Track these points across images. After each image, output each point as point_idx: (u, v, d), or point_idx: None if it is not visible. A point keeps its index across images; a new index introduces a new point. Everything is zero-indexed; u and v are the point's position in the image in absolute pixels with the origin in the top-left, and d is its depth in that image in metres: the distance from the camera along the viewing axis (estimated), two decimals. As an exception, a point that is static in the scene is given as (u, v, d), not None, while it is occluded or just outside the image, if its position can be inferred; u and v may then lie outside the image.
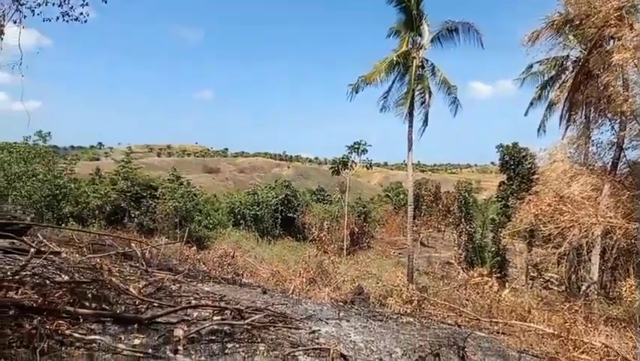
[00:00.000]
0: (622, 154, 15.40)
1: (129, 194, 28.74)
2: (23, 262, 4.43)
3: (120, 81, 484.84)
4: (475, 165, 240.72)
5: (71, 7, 6.00)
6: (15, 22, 5.00)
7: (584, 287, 14.78)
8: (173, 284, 5.78)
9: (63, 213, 26.27)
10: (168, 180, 32.78)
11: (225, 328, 3.97)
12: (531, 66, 21.73)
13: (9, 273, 4.02)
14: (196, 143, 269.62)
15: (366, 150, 38.60)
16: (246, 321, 4.20)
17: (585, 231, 13.45)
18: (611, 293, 18.55)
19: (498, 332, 7.02)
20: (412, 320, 6.93)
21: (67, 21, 5.86)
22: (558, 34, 16.87)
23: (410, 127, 21.11)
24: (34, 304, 3.31)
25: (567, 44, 18.45)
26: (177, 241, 15.65)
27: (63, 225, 23.17)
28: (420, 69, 20.87)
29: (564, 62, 19.52)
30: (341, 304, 7.79)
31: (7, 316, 3.08)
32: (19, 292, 3.53)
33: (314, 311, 6.08)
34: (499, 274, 19.19)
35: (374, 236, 44.22)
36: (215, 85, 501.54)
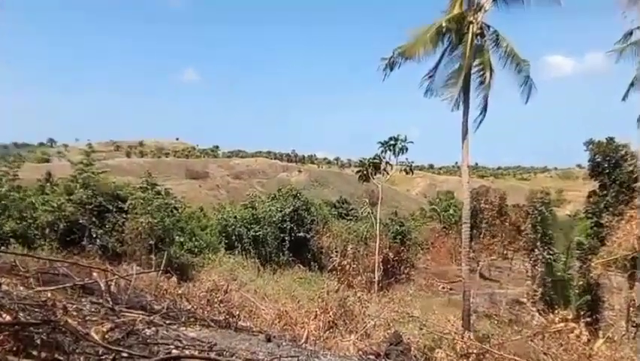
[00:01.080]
0: None
1: (90, 207, 29.13)
2: (-47, 297, 4.52)
3: (77, 59, 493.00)
4: (555, 169, 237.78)
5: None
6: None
7: None
8: (148, 327, 5.83)
9: (3, 231, 26.78)
10: (140, 188, 33.16)
11: (217, 388, 3.97)
12: (630, 33, 21.35)
13: None
14: (177, 139, 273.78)
15: (406, 149, 38.39)
16: (245, 379, 4.21)
17: None
18: None
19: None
20: (469, 380, 6.85)
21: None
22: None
23: (465, 116, 20.97)
24: (-33, 353, 3.37)
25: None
26: (153, 270, 15.80)
27: (3, 247, 23.61)
28: (478, 38, 20.73)
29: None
30: (372, 357, 7.75)
31: None
32: (-53, 336, 3.60)
33: (335, 367, 6.06)
34: (589, 319, 18.81)
35: (415, 265, 43.93)
36: (200, 63, 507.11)
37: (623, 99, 22.32)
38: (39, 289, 6.17)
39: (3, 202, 27.28)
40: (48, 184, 39.81)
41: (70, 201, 29.09)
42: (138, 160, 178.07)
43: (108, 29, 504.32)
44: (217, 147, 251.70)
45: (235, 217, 38.49)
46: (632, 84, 21.96)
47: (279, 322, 12.04)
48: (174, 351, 4.98)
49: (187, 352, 5.04)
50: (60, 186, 34.19)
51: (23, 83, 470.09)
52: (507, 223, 47.95)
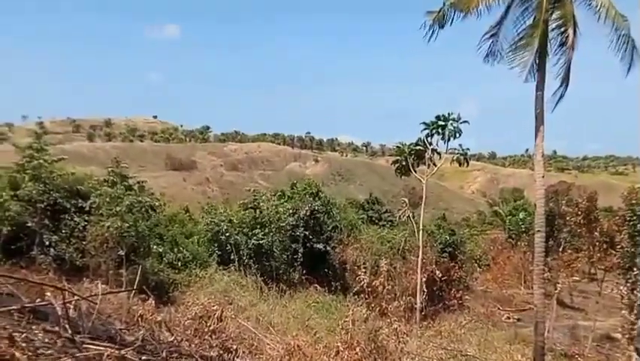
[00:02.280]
0: None
1: (42, 206, 29.47)
2: None
3: (25, 19, 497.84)
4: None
5: None
6: None
7: None
8: (118, 365, 5.92)
9: None
10: (107, 181, 33.43)
11: None
12: None
13: None
14: (154, 117, 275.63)
15: (460, 132, 37.90)
16: None
17: None
18: None
19: None
20: None
21: None
22: None
23: (540, 89, 20.81)
24: None
25: None
26: (123, 290, 16.02)
27: None
28: (559, -16, 20.57)
29: None
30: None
31: None
32: None
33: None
34: None
35: (471, 287, 43.85)
36: (183, 15, 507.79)
37: None
38: (-23, 312, 6.29)
39: None
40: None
41: (16, 198, 29.40)
42: (104, 145, 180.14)
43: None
44: (207, 127, 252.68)
45: (231, 221, 38.58)
46: None
47: (288, 360, 12.12)
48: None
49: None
50: (3, 178, 34.57)
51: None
52: (596, 233, 47.50)
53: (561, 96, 20.84)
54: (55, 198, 29.78)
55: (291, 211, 39.27)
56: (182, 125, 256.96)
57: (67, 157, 38.89)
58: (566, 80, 20.69)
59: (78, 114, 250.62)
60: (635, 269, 32.55)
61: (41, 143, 33.86)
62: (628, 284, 33.78)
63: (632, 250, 33.78)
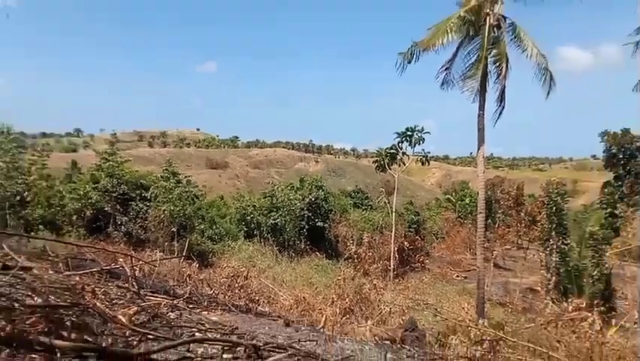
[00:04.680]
0: None
1: (115, 195, 29.48)
2: (-13, 280, 4.63)
3: (103, 51, 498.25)
4: (570, 160, 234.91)
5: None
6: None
7: None
8: (172, 311, 5.92)
9: (32, 218, 27.24)
10: (162, 177, 33.42)
11: (239, 369, 4.02)
12: (644, 27, 20.91)
13: (-30, 293, 4.22)
14: (197, 130, 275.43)
15: (423, 139, 38.12)
16: (265, 361, 4.25)
17: None
18: None
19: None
20: (483, 366, 6.84)
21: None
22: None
23: (481, 108, 20.74)
24: (2, 334, 3.45)
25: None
26: (175, 256, 16.00)
27: (33, 233, 24.01)
28: (495, 30, 20.47)
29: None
30: (387, 343, 7.77)
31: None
32: (-18, 317, 3.69)
33: (352, 351, 6.09)
34: (602, 308, 18.59)
35: (430, 254, 43.76)
36: (220, 55, 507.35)
37: (634, 90, 21.93)
38: (68, 273, 6.28)
39: (32, 190, 27.70)
40: (75, 173, 40.27)
41: (96, 190, 29.41)
42: (160, 150, 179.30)
43: (131, 23, 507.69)
44: (237, 137, 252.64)
45: (254, 206, 38.62)
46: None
47: (297, 308, 12.11)
48: (197, 334, 5.04)
49: (209, 335, 5.11)
50: (86, 174, 34.59)
51: (51, 76, 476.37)
52: (522, 214, 47.51)
53: (500, 114, 20.78)
54: (124, 189, 29.77)
55: (299, 198, 39.24)
56: (218, 135, 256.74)
57: (132, 159, 38.81)
58: (501, 101, 20.65)
59: (141, 127, 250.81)
60: (550, 240, 32.55)
61: (114, 149, 33.94)
62: (546, 251, 33.79)
63: (549, 225, 33.74)
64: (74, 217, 29.10)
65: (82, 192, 29.39)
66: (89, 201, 28.98)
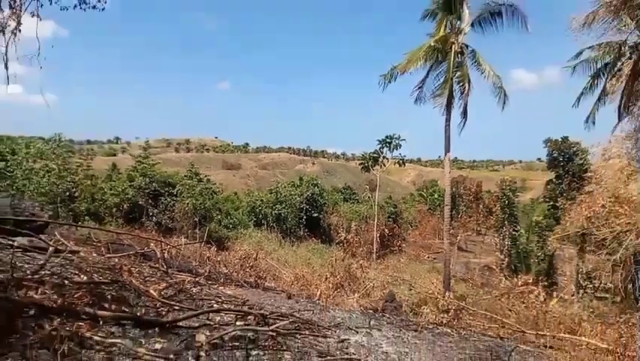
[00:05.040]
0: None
1: (147, 191, 29.42)
2: (42, 261, 4.61)
3: (137, 73, 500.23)
4: (520, 162, 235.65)
5: (88, -6, 6.16)
6: (32, 15, 5.18)
7: (642, 298, 14.22)
8: (194, 287, 5.91)
9: (79, 210, 27.17)
10: (186, 176, 33.41)
11: (249, 334, 4.02)
12: (580, 53, 20.98)
13: (28, 272, 4.20)
14: (215, 137, 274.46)
15: (400, 145, 38.24)
16: (271, 327, 4.25)
17: (645, 236, 12.96)
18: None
19: (545, 346, 6.85)
20: (449, 330, 6.86)
21: (84, 9, 6.02)
22: (614, 17, 16.25)
23: (448, 120, 20.79)
24: (54, 305, 3.45)
25: (622, 29, 17.72)
26: (197, 242, 15.95)
27: (79, 223, 23.96)
28: (459, 56, 20.51)
29: (622, 48, 18.76)
30: (371, 312, 7.78)
31: (27, 316, 3.22)
32: (39, 291, 3.68)
33: (342, 319, 6.10)
34: (545, 283, 18.68)
35: (406, 239, 43.85)
36: (231, 76, 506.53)
37: (575, 106, 22.02)
38: (109, 256, 6.26)
39: (79, 187, 27.66)
40: (114, 173, 40.14)
41: (132, 187, 29.40)
42: (185, 154, 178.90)
43: (155, 46, 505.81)
44: (247, 143, 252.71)
45: (262, 200, 38.57)
46: (582, 94, 21.62)
47: (297, 283, 12.12)
48: (215, 305, 5.04)
49: (225, 306, 5.11)
50: (124, 174, 34.57)
51: (101, 94, 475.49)
52: (481, 206, 47.71)
53: (463, 125, 20.83)
54: (155, 186, 29.71)
55: (299, 193, 39.23)
56: (232, 142, 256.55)
57: (161, 162, 38.70)
58: (464, 115, 20.71)
59: (169, 135, 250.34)
60: (503, 228, 32.68)
61: (146, 153, 33.78)
62: (500, 236, 33.92)
63: (502, 216, 33.88)
64: (114, 210, 29.07)
65: (120, 189, 29.39)
66: (126, 196, 28.98)
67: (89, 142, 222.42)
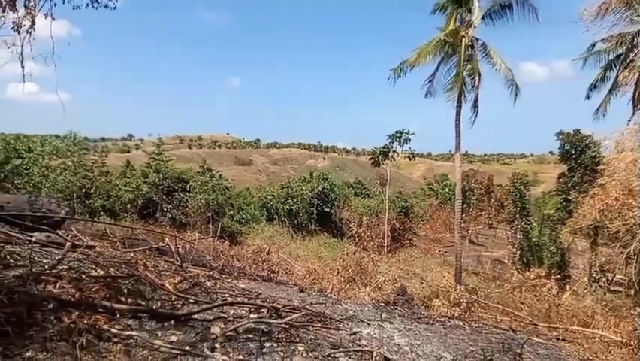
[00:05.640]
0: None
1: (161, 187, 29.65)
2: (60, 256, 4.69)
3: (149, 71, 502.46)
4: (532, 155, 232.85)
5: (101, -8, 6.21)
6: (45, 16, 5.24)
7: (657, 291, 14.02)
8: (208, 280, 5.96)
9: (95, 206, 27.49)
10: (199, 172, 33.60)
11: (263, 326, 4.05)
12: (594, 45, 20.65)
13: (46, 267, 4.27)
14: (227, 134, 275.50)
15: (409, 140, 38.13)
16: (284, 320, 4.27)
17: (659, 228, 12.75)
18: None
19: (557, 339, 6.79)
20: (460, 323, 6.82)
21: (96, 7, 6.07)
22: (627, 7, 15.95)
23: (458, 114, 20.65)
24: (72, 299, 3.50)
25: (635, 19, 17.36)
26: (210, 236, 16.06)
27: (95, 218, 24.26)
28: (469, 49, 20.31)
29: (634, 39, 18.38)
30: (383, 305, 7.77)
31: (46, 310, 3.28)
32: (57, 285, 3.75)
33: (354, 312, 6.10)
34: (558, 276, 18.50)
35: (417, 233, 43.69)
36: (242, 72, 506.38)
37: (587, 98, 21.69)
38: (124, 250, 6.33)
39: (95, 184, 27.99)
40: (128, 170, 40.54)
41: (146, 183, 29.64)
42: (197, 151, 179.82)
43: (168, 46, 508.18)
44: (259, 140, 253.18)
45: (273, 195, 38.71)
46: (595, 86, 21.28)
47: (309, 277, 12.15)
48: (229, 298, 5.08)
49: (239, 299, 5.14)
50: (138, 171, 34.86)
51: (115, 93, 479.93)
52: (492, 200, 47.29)
53: (475, 118, 20.71)
54: (169, 183, 29.93)
55: (310, 188, 39.27)
56: (244, 138, 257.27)
57: (175, 159, 38.94)
58: (475, 108, 20.55)
59: (182, 132, 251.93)
60: (515, 221, 32.40)
61: (160, 150, 34.02)
62: (512, 230, 33.64)
63: (514, 209, 33.58)
64: (129, 205, 29.34)
65: (134, 186, 29.65)
66: (141, 192, 29.25)
67: (103, 139, 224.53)
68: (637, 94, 16.73)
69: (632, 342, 6.57)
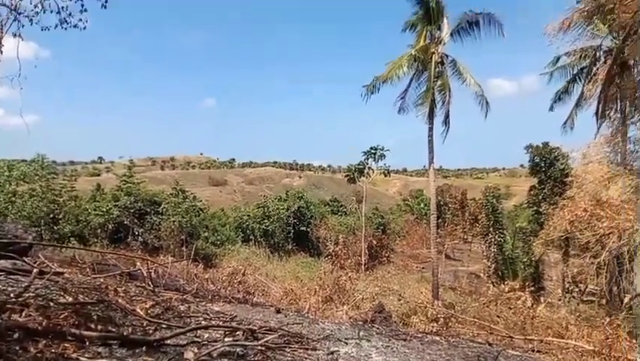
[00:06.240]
0: (663, 152, 15.18)
1: (132, 210, 29.12)
2: (26, 284, 4.55)
3: (120, 92, 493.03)
4: (503, 169, 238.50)
5: (70, 14, 6.21)
6: (14, 35, 5.20)
7: (626, 300, 14.47)
8: (182, 304, 5.86)
9: (63, 232, 26.74)
10: (172, 194, 33.14)
11: (238, 349, 4.01)
12: (558, 58, 21.64)
13: (12, 295, 4.14)
14: (201, 154, 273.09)
15: (384, 156, 38.67)
16: (260, 342, 4.24)
17: (626, 237, 13.23)
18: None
19: (533, 350, 6.93)
20: (438, 338, 6.89)
21: (65, 28, 6.06)
22: (588, 23, 16.81)
23: (431, 129, 21.14)
24: (39, 327, 3.41)
25: (596, 34, 18.31)
26: (184, 259, 15.80)
27: (64, 244, 23.58)
28: (439, 65, 20.92)
29: (596, 53, 19.32)
30: (361, 323, 7.78)
31: (12, 339, 3.18)
32: (23, 314, 3.64)
33: (331, 331, 6.09)
34: (532, 288, 18.89)
35: (394, 249, 43.95)
36: (217, 93, 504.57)
37: (550, 110, 22.54)
38: (94, 276, 6.19)
39: (63, 209, 27.29)
40: (98, 193, 39.69)
41: (117, 207, 29.10)
42: (170, 172, 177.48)
43: (140, 66, 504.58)
44: (233, 159, 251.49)
45: (249, 215, 38.46)
46: (559, 98, 22.18)
47: (286, 298, 12.07)
48: (203, 322, 5.02)
49: (213, 322, 5.09)
50: (108, 194, 34.21)
51: (84, 115, 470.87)
52: (467, 214, 48.18)
53: (446, 133, 21.22)
54: (140, 205, 29.47)
55: (286, 208, 39.17)
56: (218, 158, 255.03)
57: (146, 180, 38.40)
58: (446, 123, 21.07)
59: (154, 154, 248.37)
60: (489, 235, 33.03)
61: (131, 172, 33.50)
62: (486, 244, 34.26)
63: (487, 223, 34.27)
64: (99, 230, 28.68)
65: (105, 210, 29.03)
66: (111, 216, 28.65)
67: (72, 163, 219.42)
68: (601, 107, 17.50)
69: (603, 351, 6.76)
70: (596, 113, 17.81)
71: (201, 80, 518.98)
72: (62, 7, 6.22)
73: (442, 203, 46.85)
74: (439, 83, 20.88)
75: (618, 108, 17.28)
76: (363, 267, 32.93)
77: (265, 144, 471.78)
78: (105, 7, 6.88)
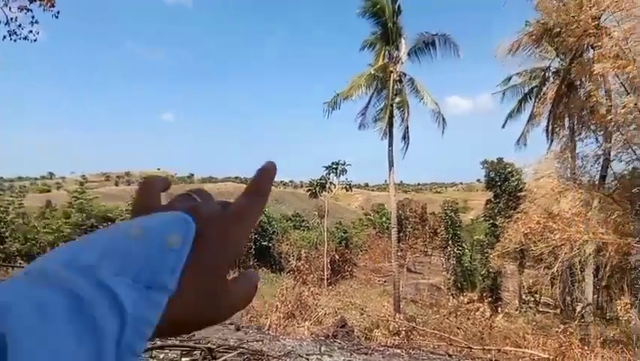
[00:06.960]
0: (609, 167, 16.07)
1: (84, 227, 27.98)
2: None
3: (72, 105, 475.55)
4: (461, 183, 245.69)
5: (19, 26, 6.00)
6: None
7: (578, 308, 15.12)
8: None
9: (10, 251, 25.33)
10: (127, 210, 32.12)
11: (195, 369, 3.90)
12: (509, 78, 22.73)
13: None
14: (158, 169, 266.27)
15: (346, 171, 38.86)
16: (218, 361, 4.14)
17: (577, 248, 13.86)
18: (607, 314, 18.99)
19: (491, 360, 7.09)
20: (399, 351, 6.94)
21: (14, 40, 5.85)
22: (536, 45, 17.78)
23: (390, 145, 21.54)
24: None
25: (545, 56, 19.38)
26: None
27: (11, 264, 22.32)
28: (398, 83, 21.46)
29: (545, 73, 20.42)
30: (322, 338, 7.73)
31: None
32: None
33: (293, 347, 6.02)
34: (490, 299, 19.44)
35: (357, 264, 44.14)
36: (175, 107, 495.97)
37: (503, 127, 23.43)
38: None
39: (10, 227, 25.91)
40: (48, 210, 37.94)
41: (68, 224, 27.96)
42: (125, 188, 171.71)
43: (95, 80, 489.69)
44: (192, 174, 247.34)
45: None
46: (510, 116, 23.11)
47: (246, 315, 11.84)
48: (159, 342, 4.85)
49: (169, 342, 4.92)
50: (59, 211, 32.80)
51: (33, 129, 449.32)
52: (426, 227, 49.11)
53: (406, 149, 21.71)
54: (93, 222, 28.40)
55: (246, 223, 38.67)
56: (176, 173, 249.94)
57: (100, 196, 37.09)
58: (405, 139, 21.56)
59: (108, 169, 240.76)
60: (448, 247, 33.78)
61: (83, 188, 32.27)
62: (446, 256, 35.01)
63: (447, 236, 35.07)
64: (48, 249, 27.28)
65: (55, 227, 27.84)
66: (62, 234, 27.45)
67: (20, 178, 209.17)
68: (550, 125, 18.41)
69: (557, 358, 7.00)
70: (546, 130, 18.74)
71: (159, 94, 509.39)
72: (11, 19, 6.01)
73: (402, 217, 47.60)
74: (397, 100, 21.40)
75: (567, 126, 18.24)
76: (325, 282, 32.82)
77: (225, 159, 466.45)
78: (57, 17, 6.69)
